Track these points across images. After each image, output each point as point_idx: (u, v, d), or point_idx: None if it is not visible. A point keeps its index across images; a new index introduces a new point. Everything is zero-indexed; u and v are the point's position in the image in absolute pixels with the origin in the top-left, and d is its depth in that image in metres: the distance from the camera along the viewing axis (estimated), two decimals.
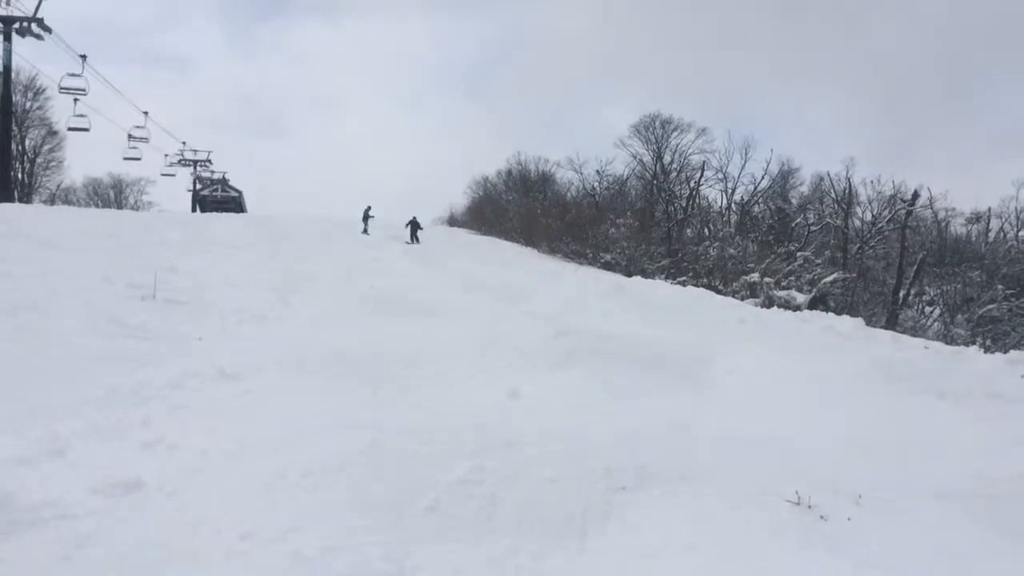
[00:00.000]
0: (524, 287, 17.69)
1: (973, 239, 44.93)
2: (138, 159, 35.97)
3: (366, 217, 31.84)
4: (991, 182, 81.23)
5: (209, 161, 51.45)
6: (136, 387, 6.87)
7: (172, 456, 5.46)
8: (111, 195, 64.39)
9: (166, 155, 42.84)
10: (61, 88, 31.99)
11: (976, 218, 44.99)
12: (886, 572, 4.20)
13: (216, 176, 52.24)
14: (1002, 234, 46.03)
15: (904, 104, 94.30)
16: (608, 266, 28.33)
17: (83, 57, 31.78)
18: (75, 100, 32.44)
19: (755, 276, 23.61)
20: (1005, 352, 12.10)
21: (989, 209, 45.55)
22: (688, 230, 36.12)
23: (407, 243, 29.38)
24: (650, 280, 23.19)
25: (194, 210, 48.36)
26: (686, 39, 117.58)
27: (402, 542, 4.39)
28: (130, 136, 38.05)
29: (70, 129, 34.48)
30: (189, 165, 50.73)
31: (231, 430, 6.00)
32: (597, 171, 47.13)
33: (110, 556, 4.05)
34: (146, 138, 42.92)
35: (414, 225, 30.98)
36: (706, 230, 34.76)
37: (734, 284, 24.43)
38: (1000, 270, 33.07)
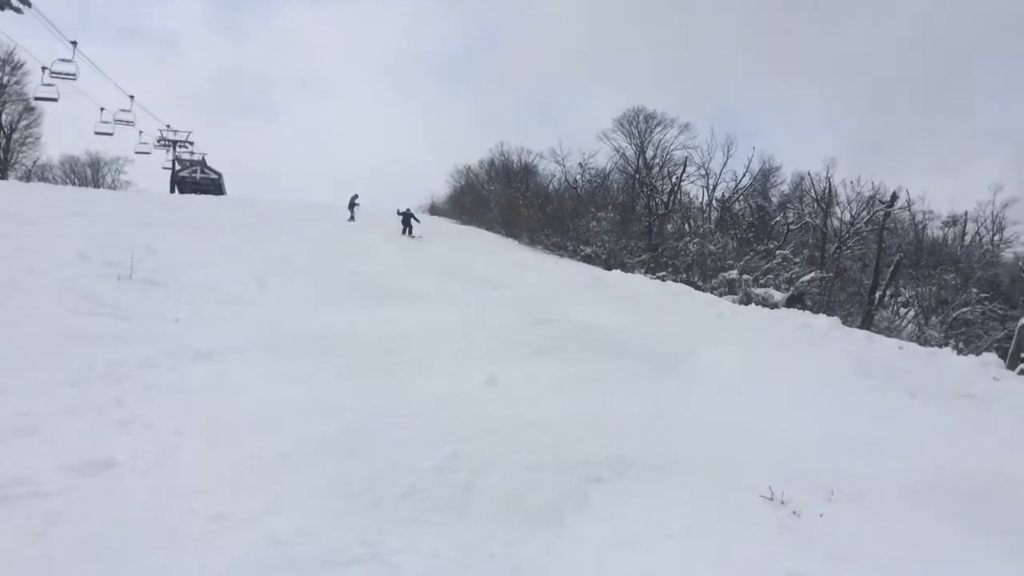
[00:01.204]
0: (504, 277, 17.69)
1: (949, 242, 45.39)
2: (110, 134, 35.40)
3: (352, 204, 31.67)
4: (969, 181, 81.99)
5: (189, 142, 50.85)
6: (111, 366, 6.80)
7: (146, 436, 5.42)
8: (88, 173, 63.52)
9: (140, 132, 42.00)
10: (52, 73, 31.74)
11: (953, 221, 45.42)
12: (854, 565, 4.25)
13: (196, 157, 51.68)
14: (978, 238, 46.52)
15: (885, 104, 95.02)
16: (588, 259, 28.37)
17: (74, 43, 31.69)
18: (43, 69, 32.13)
19: (734, 273, 23.73)
20: (978, 354, 12.27)
21: (966, 213, 46.01)
22: (669, 225, 36.17)
23: (401, 235, 27.87)
24: (630, 274, 23.26)
25: (172, 191, 47.84)
26: (671, 34, 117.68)
27: (378, 526, 4.39)
28: (102, 110, 37.40)
29: (36, 99, 33.97)
30: (169, 146, 50.11)
31: (207, 411, 5.97)
32: (580, 164, 47.03)
33: (82, 534, 4.01)
34: (132, 121, 42.44)
35: (407, 217, 29.03)
36: (687, 226, 34.89)
37: (713, 280, 24.54)
38: (975, 274, 33.48)
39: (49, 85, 32.21)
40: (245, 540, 4.10)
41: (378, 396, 6.94)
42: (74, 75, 31.74)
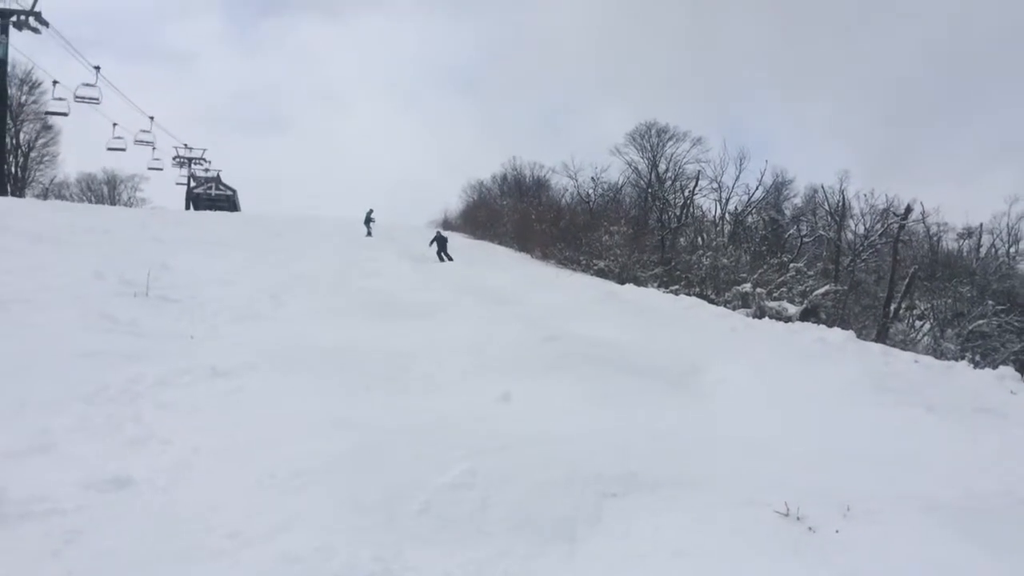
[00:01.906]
0: (516, 292, 17.71)
1: (964, 254, 45.10)
2: (123, 150, 35.97)
3: (368, 220, 31.83)
4: (984, 193, 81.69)
5: (204, 159, 51.35)
6: (127, 384, 6.85)
7: (162, 453, 5.46)
8: (104, 191, 64.10)
9: (154, 148, 42.53)
10: (76, 97, 33.72)
11: (968, 233, 45.20)
12: None
13: (211, 174, 52.14)
14: (993, 250, 46.20)
15: (898, 115, 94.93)
16: (601, 273, 28.35)
17: (97, 68, 33.25)
18: (54, 83, 33.27)
19: (747, 286, 23.66)
20: (994, 367, 12.18)
21: (981, 225, 45.80)
22: (682, 239, 36.14)
23: (439, 261, 26.23)
24: (643, 288, 23.22)
25: (188, 208, 48.26)
26: (683, 47, 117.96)
27: (393, 543, 4.40)
28: (115, 125, 38.23)
29: (47, 113, 34.89)
30: (184, 163, 50.59)
31: (222, 428, 6.01)
32: (592, 178, 47.09)
33: (99, 552, 4.04)
34: (151, 142, 43.46)
35: (441, 241, 27.82)
36: (699, 239, 34.80)
37: (726, 294, 24.48)
38: (991, 286, 33.20)
39: (60, 99, 33.19)
40: (260, 557, 4.12)
41: (391, 412, 6.96)
42: (97, 99, 33.22)
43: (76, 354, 7.60)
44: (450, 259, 26.78)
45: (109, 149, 36.28)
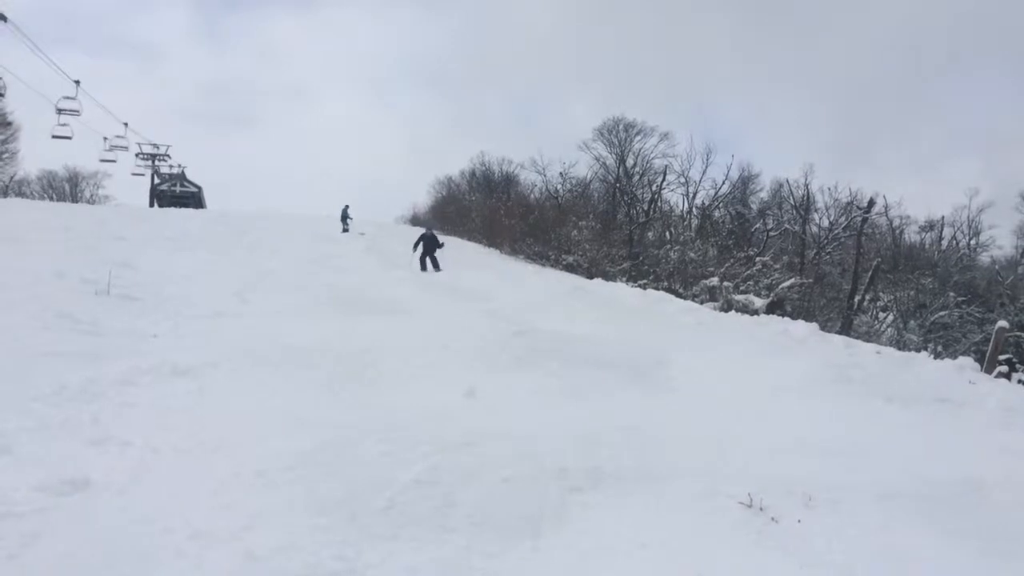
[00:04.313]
0: (485, 287, 17.70)
1: (927, 247, 45.90)
2: (68, 137, 35.65)
3: (344, 217, 31.74)
4: (945, 186, 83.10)
5: (168, 156, 50.58)
6: (87, 383, 6.74)
7: (122, 454, 5.37)
8: (66, 188, 63.03)
9: (105, 138, 41.81)
10: (58, 110, 34.79)
11: (930, 226, 46.01)
12: (830, 571, 4.29)
13: (175, 171, 51.42)
14: (955, 242, 47.08)
15: (861, 109, 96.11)
16: (570, 268, 28.44)
17: (77, 82, 34.82)
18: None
19: (714, 280, 23.89)
20: (955, 358, 12.40)
21: (943, 218, 46.64)
22: (650, 233, 36.35)
23: (421, 270, 20.87)
24: (611, 283, 23.33)
25: (152, 205, 47.55)
26: (651, 43, 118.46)
27: (356, 541, 4.37)
28: (59, 111, 38.09)
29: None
30: (147, 158, 49.74)
31: (184, 428, 5.93)
32: (560, 173, 47.17)
33: (57, 555, 3.97)
34: (126, 147, 43.42)
35: (428, 242, 21.72)
36: (667, 234, 35.05)
37: (694, 288, 24.69)
38: (952, 278, 33.78)
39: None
40: (222, 558, 4.07)
41: (356, 409, 6.93)
42: (78, 111, 35.27)
43: (34, 354, 7.47)
44: (437, 269, 21.31)
45: (54, 137, 35.96)
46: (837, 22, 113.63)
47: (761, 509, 5.11)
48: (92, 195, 63.44)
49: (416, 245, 21.63)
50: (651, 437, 6.75)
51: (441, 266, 21.40)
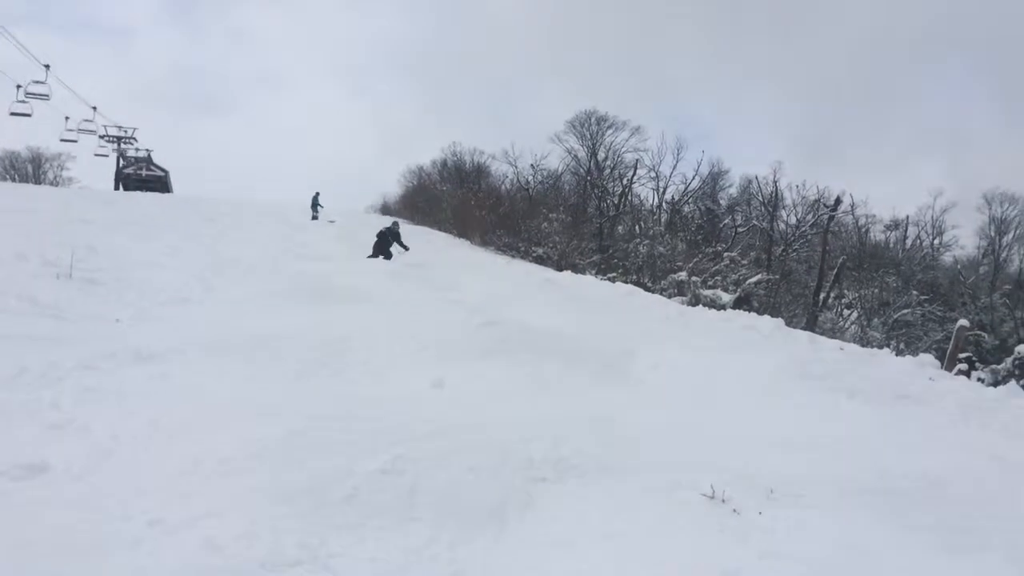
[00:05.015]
0: (454, 277, 17.64)
1: (891, 245, 46.61)
2: (28, 115, 35.13)
3: (315, 204, 31.57)
4: (910, 184, 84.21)
5: (134, 139, 49.72)
6: (47, 367, 6.62)
7: (82, 439, 5.29)
8: (29, 169, 61.82)
9: (67, 118, 41.12)
10: (27, 93, 34.20)
11: (895, 225, 46.68)
12: (789, 563, 4.34)
13: (141, 154, 50.57)
14: (918, 241, 47.89)
15: (829, 107, 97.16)
16: (540, 260, 28.48)
17: (47, 67, 34.27)
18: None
19: (683, 275, 24.06)
20: (916, 355, 12.60)
21: (907, 217, 47.35)
22: (620, 227, 36.56)
23: (374, 256, 19.79)
24: (580, 275, 23.39)
25: (117, 188, 46.76)
26: (623, 36, 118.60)
27: (319, 530, 4.35)
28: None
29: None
30: (113, 142, 48.87)
31: (145, 414, 5.85)
32: (532, 165, 47.20)
33: (12, 541, 3.90)
34: (93, 131, 43.03)
35: (386, 237, 20.44)
36: (637, 227, 35.26)
37: (662, 282, 24.87)
38: (915, 276, 34.40)
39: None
40: (181, 545, 4.03)
41: (322, 398, 6.87)
42: (47, 96, 35.41)
43: None
44: (387, 257, 20.03)
45: (12, 114, 35.43)
46: (808, 20, 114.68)
47: (723, 501, 5.16)
48: (56, 177, 62.32)
49: (382, 239, 20.47)
50: (617, 429, 6.79)
51: (404, 248, 20.54)
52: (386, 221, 25.09)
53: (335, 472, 5.06)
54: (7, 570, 3.69)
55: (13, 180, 55.35)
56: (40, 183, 55.37)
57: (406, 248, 20.84)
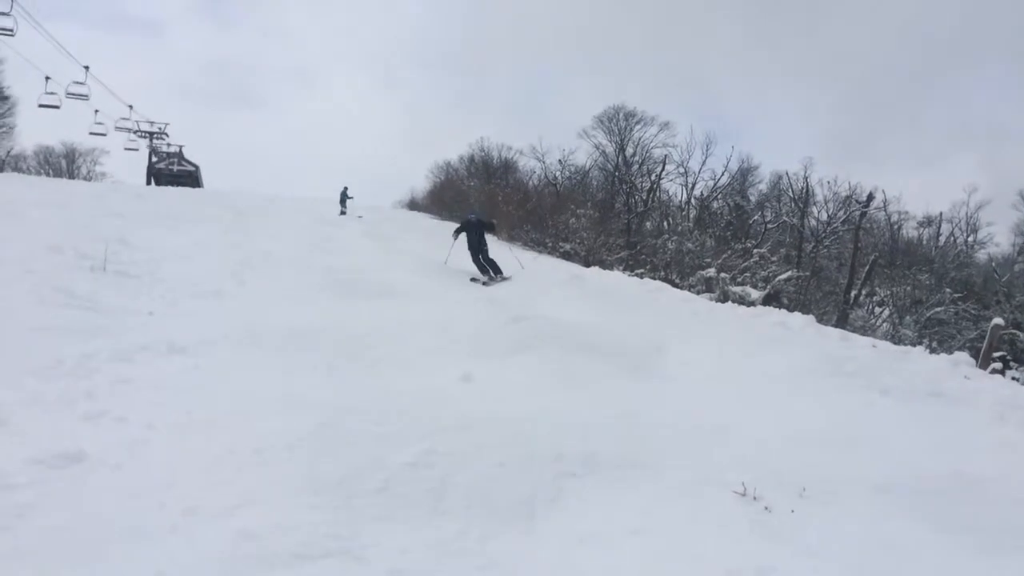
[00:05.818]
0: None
1: (924, 243, 45.99)
2: (56, 106, 35.67)
3: (343, 199, 31.73)
4: (944, 180, 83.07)
5: (165, 133, 50.29)
6: (82, 359, 6.72)
7: (117, 429, 5.36)
8: (63, 164, 62.67)
9: (96, 111, 41.66)
10: (68, 94, 35.34)
11: (928, 222, 46.10)
12: (823, 562, 4.31)
13: (173, 149, 51.17)
14: (952, 239, 47.20)
15: (862, 103, 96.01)
16: (567, 256, 28.39)
17: (87, 68, 35.45)
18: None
19: (711, 271, 23.86)
20: (950, 354, 12.41)
21: (940, 214, 46.73)
22: (647, 223, 36.35)
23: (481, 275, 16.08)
24: (608, 271, 23.30)
25: (148, 183, 47.34)
26: (653, 33, 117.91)
27: (351, 521, 4.39)
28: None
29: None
30: (145, 137, 49.47)
31: (179, 405, 5.92)
32: (560, 160, 47.05)
33: (51, 527, 3.97)
34: (129, 128, 43.93)
35: (472, 232, 16.89)
36: (665, 223, 35.06)
37: (691, 278, 24.68)
38: (948, 274, 33.86)
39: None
40: (216, 534, 4.08)
41: (353, 391, 6.91)
42: (87, 96, 36.08)
43: (29, 328, 7.44)
44: (497, 272, 16.25)
45: (40, 106, 36.11)
46: (840, 14, 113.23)
47: (755, 498, 5.13)
48: (89, 172, 63.19)
49: (457, 232, 17.15)
50: (646, 425, 6.77)
51: (501, 270, 16.35)
52: (411, 216, 24.47)
53: (367, 464, 5.09)
54: (50, 553, 3.75)
55: (48, 175, 56.20)
56: (74, 178, 56.20)
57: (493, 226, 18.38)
